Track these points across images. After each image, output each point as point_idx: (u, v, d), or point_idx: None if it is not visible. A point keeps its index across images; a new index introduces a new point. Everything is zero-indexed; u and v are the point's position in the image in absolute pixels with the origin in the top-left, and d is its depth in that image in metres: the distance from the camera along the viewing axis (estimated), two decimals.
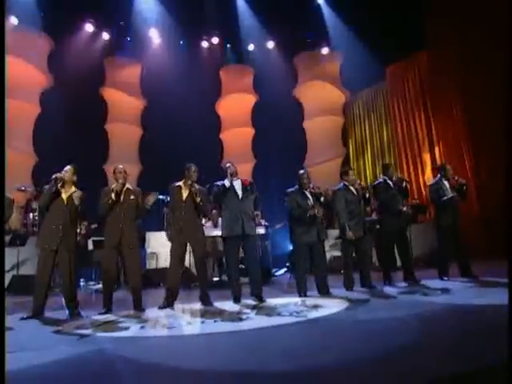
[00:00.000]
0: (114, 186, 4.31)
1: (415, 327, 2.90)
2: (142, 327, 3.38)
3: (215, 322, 3.45)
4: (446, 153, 9.45)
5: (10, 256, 6.41)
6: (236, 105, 12.43)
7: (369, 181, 10.94)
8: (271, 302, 4.34)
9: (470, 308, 3.44)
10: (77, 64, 10.03)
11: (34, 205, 8.07)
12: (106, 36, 10.91)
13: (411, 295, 4.31)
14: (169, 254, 4.51)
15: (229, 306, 4.27)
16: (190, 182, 4.44)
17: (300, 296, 4.57)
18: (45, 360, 2.46)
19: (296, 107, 12.30)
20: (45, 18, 9.64)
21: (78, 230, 5.26)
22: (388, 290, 4.79)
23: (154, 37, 11.33)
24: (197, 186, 4.51)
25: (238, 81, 12.47)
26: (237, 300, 4.44)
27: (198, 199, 4.40)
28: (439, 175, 5.58)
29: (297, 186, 4.78)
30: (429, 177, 9.94)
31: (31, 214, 8.12)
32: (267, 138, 11.86)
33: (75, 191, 4.25)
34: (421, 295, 4.24)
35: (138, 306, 4.22)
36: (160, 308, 4.26)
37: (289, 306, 3.99)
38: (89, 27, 10.53)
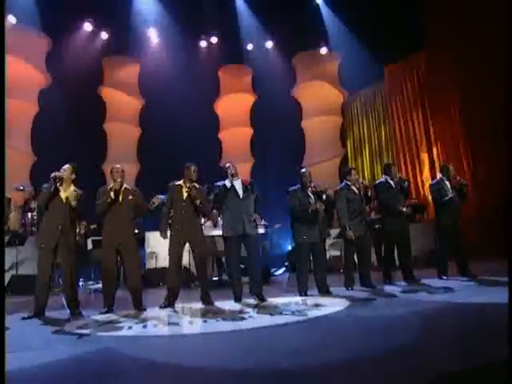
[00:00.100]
0: (112, 185, 4.29)
1: (416, 325, 2.92)
2: (144, 326, 3.38)
3: (217, 321, 3.45)
4: (443, 153, 9.50)
5: (9, 256, 6.39)
6: (235, 104, 12.44)
7: (367, 180, 10.96)
8: (272, 301, 4.35)
9: (470, 306, 3.47)
10: (75, 63, 10.01)
11: (33, 204, 8.02)
12: (104, 35, 10.89)
13: (411, 294, 4.34)
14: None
15: (230, 305, 4.27)
16: (189, 185, 4.44)
17: (301, 295, 4.58)
18: (46, 360, 2.46)
19: (294, 107, 12.33)
20: (43, 17, 9.61)
21: (78, 230, 5.26)
22: (388, 288, 4.82)
23: (153, 36, 11.32)
24: (196, 186, 4.52)
25: (237, 80, 12.48)
26: (238, 299, 4.44)
27: (198, 202, 4.41)
28: (441, 175, 5.61)
29: (298, 185, 4.79)
30: (427, 176, 9.99)
31: (30, 214, 8.08)
32: (266, 137, 11.88)
33: (74, 190, 4.23)
34: (421, 294, 4.27)
35: (139, 306, 4.21)
36: (161, 307, 4.27)
37: (290, 305, 4.01)
38: (87, 26, 10.51)
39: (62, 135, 9.36)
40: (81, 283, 7.05)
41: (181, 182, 4.56)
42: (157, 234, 7.53)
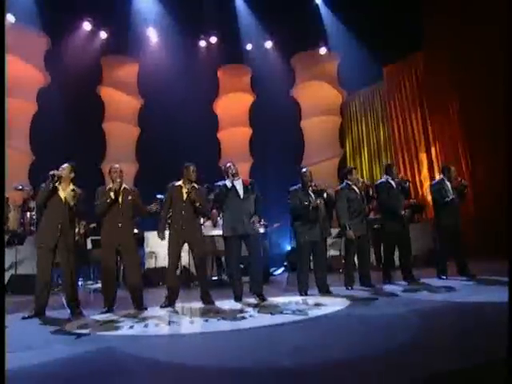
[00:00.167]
0: (111, 185, 4.29)
1: (416, 324, 2.94)
2: (146, 326, 3.38)
3: (218, 320, 3.46)
4: (442, 153, 9.53)
5: (8, 255, 6.38)
6: (234, 104, 12.45)
7: (366, 179, 10.99)
8: (272, 300, 4.36)
9: (469, 305, 3.49)
10: (74, 62, 9.99)
11: (32, 204, 8.00)
12: (103, 35, 10.87)
13: (412, 293, 4.36)
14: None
15: (230, 304, 4.28)
16: (188, 188, 4.43)
17: (301, 294, 4.59)
18: (47, 359, 2.46)
19: (293, 107, 12.34)
20: (42, 16, 9.59)
21: (77, 230, 5.24)
22: (389, 288, 4.84)
23: (152, 36, 11.30)
24: (196, 186, 4.53)
25: (236, 80, 12.48)
26: (238, 299, 4.45)
27: (197, 204, 4.41)
28: (442, 175, 5.63)
29: (299, 185, 4.80)
30: (425, 176, 10.02)
31: (28, 213, 8.06)
32: (265, 137, 11.88)
33: (73, 189, 4.22)
34: (421, 293, 4.30)
35: (140, 305, 4.21)
36: (162, 307, 4.27)
37: (290, 305, 4.02)
38: (87, 25, 10.48)
39: (60, 134, 9.33)
40: (80, 283, 7.04)
41: (180, 183, 4.55)
42: (156, 233, 7.57)
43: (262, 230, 7.08)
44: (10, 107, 8.32)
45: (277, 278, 7.53)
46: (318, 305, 3.92)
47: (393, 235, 5.24)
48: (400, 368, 2.02)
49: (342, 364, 2.14)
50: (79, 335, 3.13)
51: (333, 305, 3.84)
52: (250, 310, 3.86)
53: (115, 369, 2.32)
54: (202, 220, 5.70)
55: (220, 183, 4.61)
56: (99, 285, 5.46)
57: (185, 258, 5.98)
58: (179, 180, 4.59)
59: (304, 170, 4.94)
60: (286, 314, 3.57)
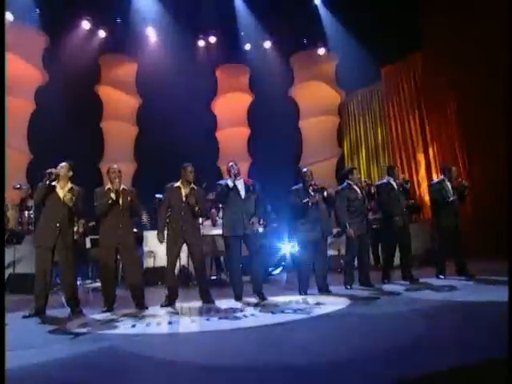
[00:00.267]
0: (110, 186, 4.29)
1: (417, 323, 2.96)
2: (147, 325, 3.38)
3: (219, 319, 3.47)
4: (440, 153, 9.57)
5: (6, 254, 6.32)
6: (232, 104, 12.45)
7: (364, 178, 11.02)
8: (272, 300, 4.37)
9: (470, 305, 3.51)
10: (72, 61, 9.93)
11: (30, 203, 7.99)
12: (102, 33, 10.83)
13: (413, 292, 4.39)
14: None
15: (231, 304, 4.29)
16: (186, 192, 4.43)
17: (300, 294, 4.61)
18: (47, 358, 2.46)
19: (292, 107, 12.36)
20: (41, 15, 9.55)
21: (76, 228, 5.23)
22: (389, 287, 4.87)
23: (151, 35, 11.28)
24: (195, 187, 4.54)
25: (235, 80, 12.48)
26: (238, 298, 4.46)
27: (196, 208, 4.42)
28: (442, 176, 5.65)
29: (300, 184, 4.82)
30: (423, 177, 10.06)
31: (26, 212, 8.04)
32: (263, 137, 11.89)
33: (71, 187, 4.20)
34: (422, 292, 4.32)
35: (141, 305, 4.21)
36: (162, 306, 4.28)
37: (291, 304, 4.04)
38: (85, 24, 10.44)
39: (58, 133, 9.29)
40: (79, 282, 7.02)
41: (179, 184, 4.55)
42: (155, 233, 7.56)
43: (260, 230, 7.10)
44: (8, 106, 8.28)
45: (275, 277, 7.54)
46: (318, 304, 3.93)
47: (393, 234, 5.27)
48: (401, 367, 2.03)
49: (344, 363, 2.15)
50: (80, 334, 3.13)
51: (333, 304, 3.86)
52: (250, 309, 3.88)
53: (118, 368, 2.32)
54: (200, 220, 5.70)
55: (222, 182, 4.61)
56: (98, 284, 5.46)
57: (183, 257, 5.97)
58: (177, 181, 4.58)
59: (305, 169, 4.95)
60: (288, 313, 3.58)
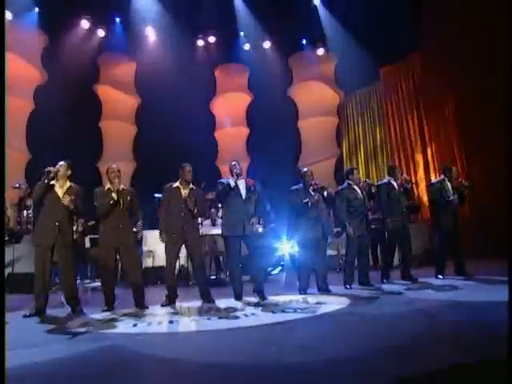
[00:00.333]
0: (109, 186, 4.28)
1: (418, 323, 2.96)
2: (149, 324, 3.39)
3: (220, 318, 3.48)
4: (438, 153, 9.60)
5: (5, 254, 6.33)
6: (231, 104, 12.46)
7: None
8: (273, 299, 4.38)
9: (471, 304, 3.52)
10: (71, 60, 9.95)
11: (28, 202, 7.98)
12: (101, 33, 10.83)
13: (413, 292, 4.39)
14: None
15: (231, 303, 4.29)
16: (184, 195, 4.43)
17: (300, 293, 4.62)
18: (49, 357, 2.45)
19: (291, 107, 12.38)
20: (40, 14, 9.53)
21: (75, 228, 5.21)
22: (389, 287, 4.88)
23: (150, 35, 11.28)
24: (194, 188, 4.54)
25: (233, 80, 12.50)
26: (238, 298, 4.46)
27: (195, 211, 4.42)
28: (443, 176, 5.66)
29: (301, 184, 4.82)
30: (421, 177, 10.09)
31: (25, 212, 8.03)
32: (262, 137, 11.90)
33: (70, 186, 4.19)
34: (422, 292, 4.34)
35: (141, 304, 4.21)
36: (163, 306, 4.28)
37: (291, 303, 4.04)
38: (84, 24, 10.44)
39: (57, 133, 9.28)
40: (77, 281, 7.01)
41: (177, 184, 4.55)
42: (154, 232, 7.57)
43: (260, 230, 7.11)
44: (7, 105, 8.26)
45: (274, 277, 7.55)
46: (318, 303, 3.94)
47: (395, 235, 5.27)
48: (401, 367, 2.04)
49: (344, 362, 2.15)
50: (81, 333, 3.12)
51: (334, 303, 3.87)
52: (251, 308, 3.88)
53: (119, 366, 2.31)
54: (200, 219, 5.70)
55: (223, 180, 4.60)
56: (97, 283, 5.45)
57: (182, 257, 5.98)
58: (176, 181, 4.58)
59: (305, 169, 4.95)
60: (288, 312, 3.59)
